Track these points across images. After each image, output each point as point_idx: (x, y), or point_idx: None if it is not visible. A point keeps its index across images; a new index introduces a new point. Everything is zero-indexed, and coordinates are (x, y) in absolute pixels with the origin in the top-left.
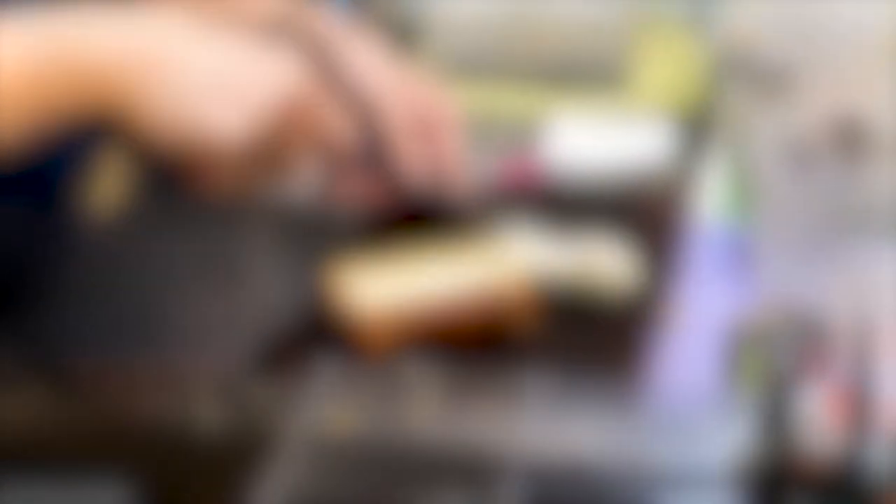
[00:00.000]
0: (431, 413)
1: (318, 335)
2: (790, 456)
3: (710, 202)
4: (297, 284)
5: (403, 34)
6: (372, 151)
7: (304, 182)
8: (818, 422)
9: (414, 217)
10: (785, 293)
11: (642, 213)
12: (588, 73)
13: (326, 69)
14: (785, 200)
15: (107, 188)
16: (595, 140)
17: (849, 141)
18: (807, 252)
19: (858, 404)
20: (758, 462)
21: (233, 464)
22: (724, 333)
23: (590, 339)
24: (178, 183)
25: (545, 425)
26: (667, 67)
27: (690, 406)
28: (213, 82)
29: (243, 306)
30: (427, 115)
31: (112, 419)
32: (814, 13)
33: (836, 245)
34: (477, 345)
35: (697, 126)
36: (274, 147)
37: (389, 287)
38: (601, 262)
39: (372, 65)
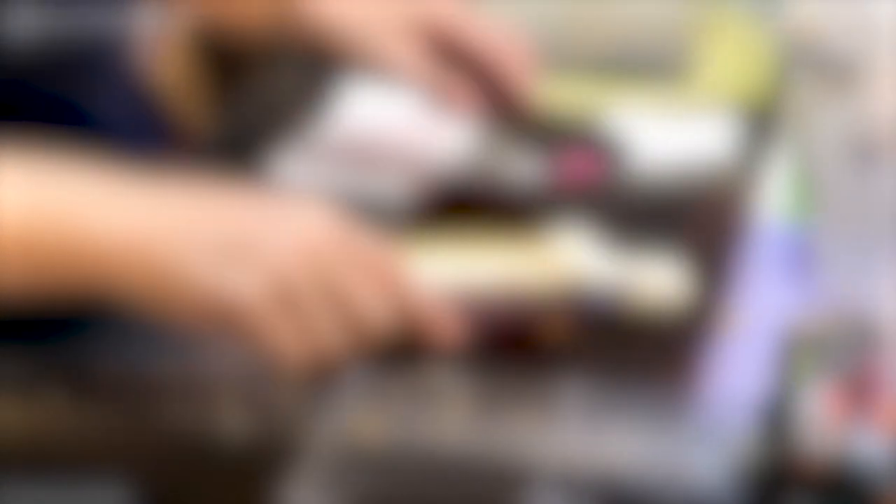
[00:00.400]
0: (462, 421)
1: None
2: (790, 456)
3: (772, 200)
4: None
5: None
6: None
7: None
8: (818, 422)
9: (464, 206)
10: (844, 298)
11: (702, 210)
12: (651, 66)
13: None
14: (847, 200)
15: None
16: (657, 135)
17: None
18: (868, 254)
19: (858, 404)
20: (758, 462)
21: (258, 472)
22: (781, 340)
23: (631, 350)
24: None
25: (580, 436)
26: (731, 61)
27: (740, 417)
28: (229, 249)
29: None
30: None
31: (136, 426)
32: (878, 8)
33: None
34: (508, 345)
35: (761, 122)
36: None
37: (422, 275)
38: (652, 275)
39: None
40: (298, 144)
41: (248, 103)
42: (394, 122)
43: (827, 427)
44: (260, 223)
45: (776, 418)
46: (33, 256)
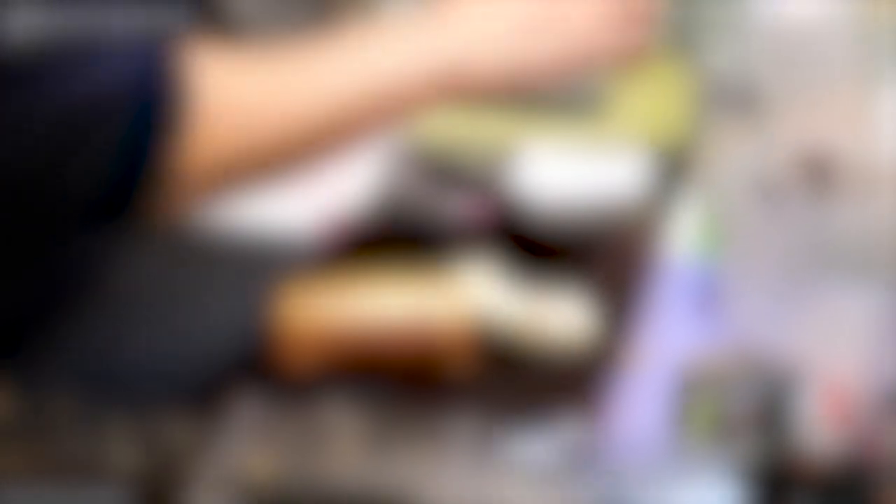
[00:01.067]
0: (354, 457)
1: (245, 370)
2: (790, 456)
3: (681, 239)
4: (236, 315)
5: None
6: None
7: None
8: (818, 422)
9: (374, 240)
10: (752, 334)
11: (611, 247)
12: (566, 103)
13: None
14: (754, 237)
15: None
16: (567, 171)
17: (818, 177)
18: (775, 291)
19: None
20: (758, 462)
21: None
22: (681, 377)
23: (533, 385)
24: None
25: (472, 472)
26: (645, 100)
27: (637, 453)
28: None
29: (173, 338)
30: None
31: (27, 451)
32: (787, 46)
33: (804, 284)
34: (406, 379)
35: (673, 160)
36: None
37: (320, 307)
38: (558, 312)
39: None
40: None
41: None
42: None
43: (827, 427)
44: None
45: (776, 420)
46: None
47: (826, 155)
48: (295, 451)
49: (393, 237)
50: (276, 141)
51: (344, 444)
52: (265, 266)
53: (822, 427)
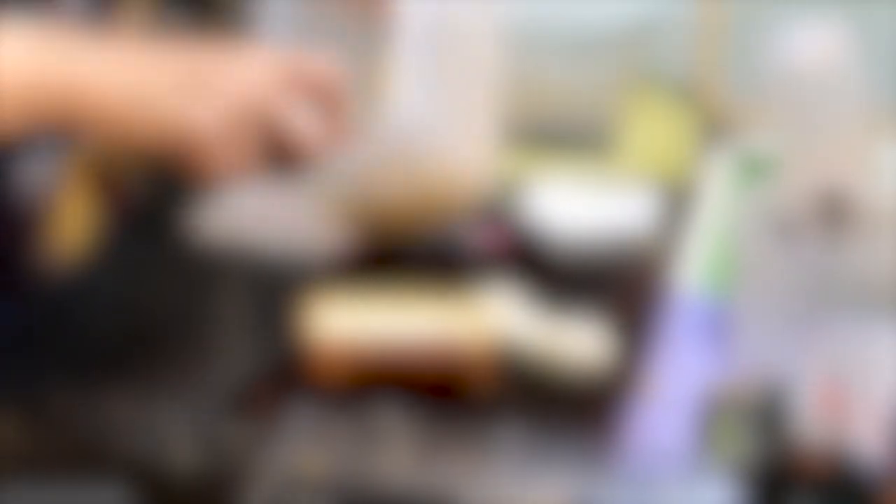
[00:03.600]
0: (402, 461)
1: (291, 378)
2: (790, 456)
3: (692, 272)
4: (274, 327)
5: None
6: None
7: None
8: (818, 422)
9: (398, 260)
10: (762, 367)
11: (622, 280)
12: (576, 139)
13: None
14: (766, 273)
15: (70, 230)
16: (578, 206)
17: (833, 215)
18: (786, 327)
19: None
20: (758, 462)
21: None
22: (698, 406)
23: (553, 407)
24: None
25: (511, 479)
26: (654, 136)
27: (659, 478)
28: (185, 84)
29: (218, 350)
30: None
31: (84, 457)
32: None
33: (815, 321)
34: (438, 396)
35: (682, 194)
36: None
37: (351, 324)
38: (575, 339)
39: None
40: None
41: None
42: None
43: (826, 427)
44: (208, 70)
45: (776, 419)
46: (33, 96)
47: (840, 193)
48: (346, 454)
49: (414, 263)
50: None
51: (393, 448)
52: (289, 282)
53: (821, 426)
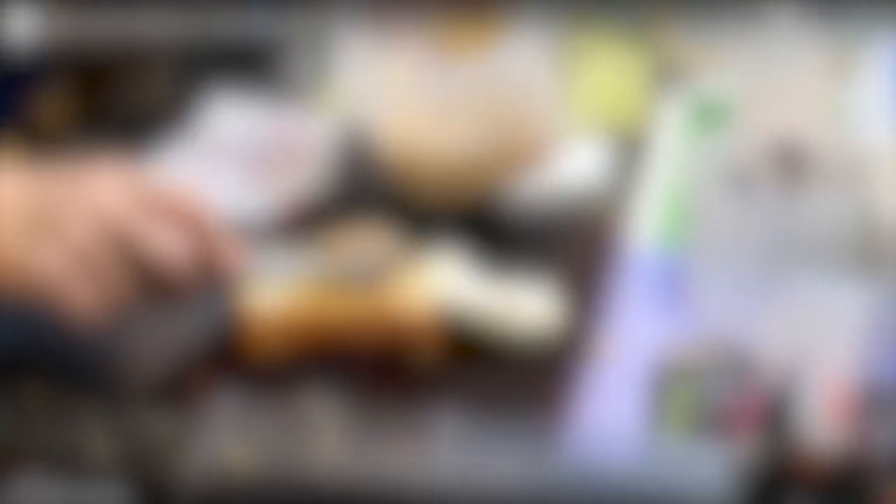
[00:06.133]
0: (333, 449)
1: (224, 358)
2: (790, 456)
3: (644, 226)
4: (208, 302)
5: None
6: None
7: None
8: (818, 422)
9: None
10: (718, 326)
11: (574, 236)
12: None
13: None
14: (722, 227)
15: None
16: None
17: (789, 166)
18: (743, 282)
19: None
20: (758, 462)
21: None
22: (652, 369)
23: (501, 375)
24: None
25: (452, 463)
26: (603, 85)
27: (611, 447)
28: (33, 225)
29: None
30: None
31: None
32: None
33: (773, 276)
34: (373, 367)
35: (633, 146)
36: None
37: (286, 291)
38: (524, 301)
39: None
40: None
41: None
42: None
43: (827, 427)
44: (59, 196)
45: (776, 419)
46: None
47: (797, 145)
48: (273, 444)
49: (359, 218)
50: None
51: (322, 435)
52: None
53: (823, 426)
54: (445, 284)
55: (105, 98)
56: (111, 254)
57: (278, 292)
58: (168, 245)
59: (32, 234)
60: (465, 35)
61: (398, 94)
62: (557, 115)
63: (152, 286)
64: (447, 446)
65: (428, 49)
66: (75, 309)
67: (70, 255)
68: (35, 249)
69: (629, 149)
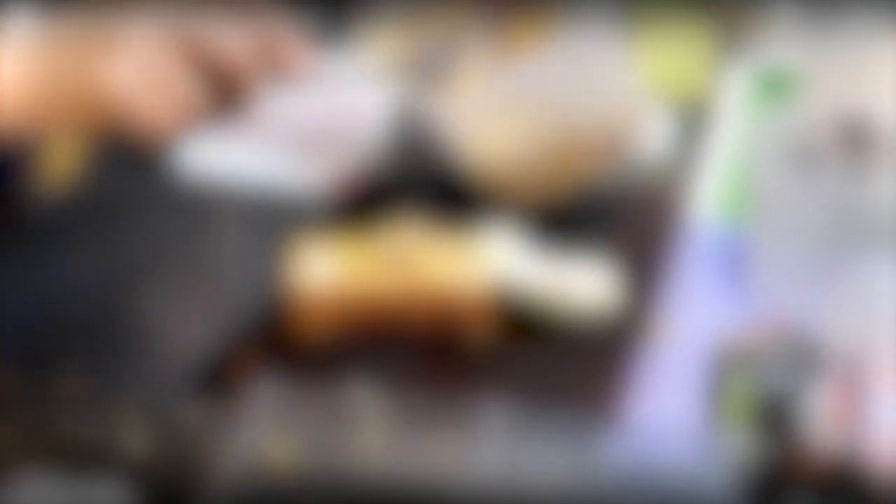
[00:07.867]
0: (378, 443)
1: (269, 340)
2: (790, 456)
3: (706, 203)
4: (253, 279)
5: None
6: None
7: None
8: (818, 422)
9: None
10: (780, 308)
11: (633, 211)
12: None
13: None
14: (784, 205)
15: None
16: None
17: (856, 143)
18: (805, 263)
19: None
20: (758, 462)
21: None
22: (712, 354)
23: (556, 358)
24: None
25: (501, 456)
26: (665, 58)
27: (668, 439)
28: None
29: (189, 309)
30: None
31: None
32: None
33: (837, 256)
34: (425, 346)
35: (696, 118)
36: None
37: (337, 269)
38: (581, 279)
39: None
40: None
41: None
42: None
43: (828, 427)
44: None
45: (776, 418)
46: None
47: (864, 121)
48: (315, 438)
49: (412, 198)
50: None
51: (367, 429)
52: (277, 224)
53: (827, 425)
54: (499, 261)
55: None
56: (178, 58)
57: (328, 271)
58: (233, 40)
59: (98, 52)
60: (524, 31)
61: (466, 102)
62: (633, 96)
63: (221, 87)
64: (496, 438)
65: (489, 50)
66: (148, 122)
67: (138, 65)
68: (102, 67)
69: (692, 122)
